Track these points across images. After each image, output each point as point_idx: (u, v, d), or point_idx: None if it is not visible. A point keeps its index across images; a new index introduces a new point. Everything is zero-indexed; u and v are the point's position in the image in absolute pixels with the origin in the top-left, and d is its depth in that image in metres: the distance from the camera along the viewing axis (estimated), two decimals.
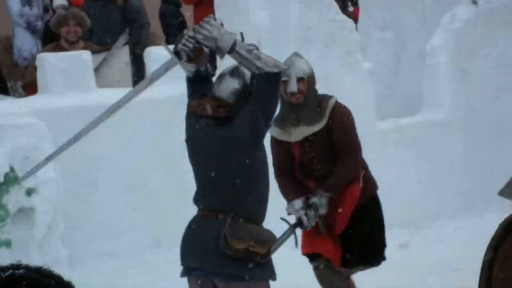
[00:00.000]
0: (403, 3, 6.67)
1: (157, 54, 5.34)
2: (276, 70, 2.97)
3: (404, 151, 5.70)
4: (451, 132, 5.88)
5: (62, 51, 5.30)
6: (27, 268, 1.28)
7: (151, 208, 5.16)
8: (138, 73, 5.78)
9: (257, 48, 3.08)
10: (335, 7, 5.38)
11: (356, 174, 3.77)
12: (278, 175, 3.77)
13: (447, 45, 5.93)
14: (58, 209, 4.55)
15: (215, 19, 3.08)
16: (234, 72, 3.10)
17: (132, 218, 5.07)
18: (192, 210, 5.22)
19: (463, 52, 5.98)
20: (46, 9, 6.76)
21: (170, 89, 5.22)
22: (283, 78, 3.52)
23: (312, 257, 3.92)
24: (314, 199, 3.67)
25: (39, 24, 6.64)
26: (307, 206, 3.67)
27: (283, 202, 3.79)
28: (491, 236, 3.54)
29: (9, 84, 7.30)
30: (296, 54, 3.88)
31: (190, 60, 3.04)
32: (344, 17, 5.46)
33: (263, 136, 3.09)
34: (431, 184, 5.78)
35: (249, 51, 3.00)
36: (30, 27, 6.59)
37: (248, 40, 5.91)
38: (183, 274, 3.16)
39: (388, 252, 5.19)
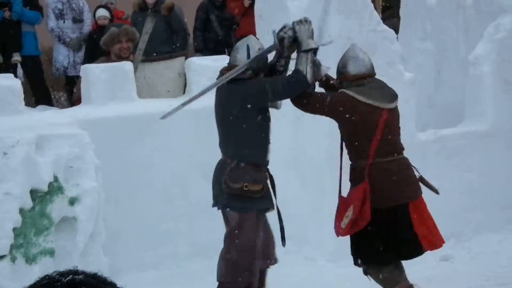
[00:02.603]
0: (443, 13, 6.60)
1: (197, 65, 5.39)
2: (307, 84, 3.84)
3: (446, 162, 5.61)
4: (494, 143, 5.77)
5: None
6: (85, 274, 1.33)
7: (191, 217, 5.18)
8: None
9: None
10: (376, 17, 5.34)
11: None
12: None
13: (490, 55, 5.84)
14: (99, 218, 4.59)
15: (310, 22, 3.90)
16: None
17: (172, 227, 5.09)
18: None
19: (507, 62, 5.88)
20: (74, 20, 6.98)
21: (212, 99, 5.26)
22: None
23: None
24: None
25: (73, 36, 6.89)
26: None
27: None
28: None
29: (52, 95, 7.48)
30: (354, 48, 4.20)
31: (284, 47, 3.86)
32: (385, 27, 5.41)
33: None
34: (474, 196, 5.68)
35: (313, 61, 3.89)
36: (61, 40, 6.85)
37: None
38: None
39: (429, 264, 5.13)
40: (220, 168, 3.96)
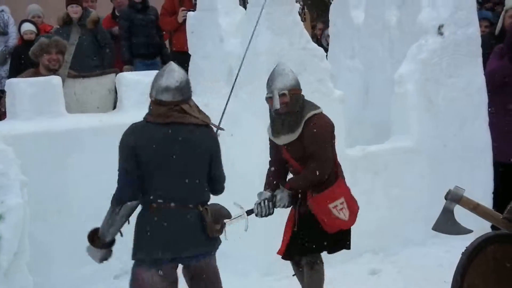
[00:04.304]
0: (370, 33, 6.80)
1: (128, 80, 5.33)
2: None
3: (373, 178, 5.75)
4: (419, 159, 5.96)
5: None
6: None
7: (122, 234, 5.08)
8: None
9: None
10: (306, 35, 5.45)
11: (321, 180, 4.13)
12: (270, 167, 4.32)
13: (414, 74, 6.05)
14: (25, 236, 4.45)
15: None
16: None
17: None
18: None
19: (430, 81, 6.10)
20: None
21: (142, 115, 5.20)
22: (268, 95, 4.19)
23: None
24: (277, 192, 4.15)
25: None
26: (270, 198, 4.16)
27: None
28: (457, 264, 3.57)
29: None
30: (280, 66, 4.29)
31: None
32: (315, 45, 5.54)
33: None
34: (400, 211, 5.84)
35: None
36: None
37: (220, 67, 5.97)
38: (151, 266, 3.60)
39: (357, 278, 5.23)
40: (190, 217, 3.56)
